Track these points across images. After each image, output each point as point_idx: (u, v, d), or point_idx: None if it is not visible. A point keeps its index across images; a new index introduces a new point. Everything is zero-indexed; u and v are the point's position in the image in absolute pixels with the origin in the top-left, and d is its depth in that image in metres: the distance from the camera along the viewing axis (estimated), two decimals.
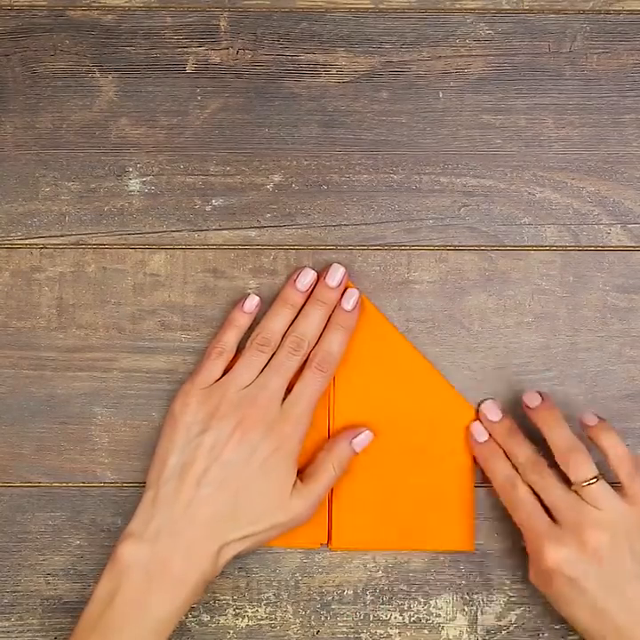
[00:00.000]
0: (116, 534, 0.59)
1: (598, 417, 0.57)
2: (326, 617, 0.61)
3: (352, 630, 0.61)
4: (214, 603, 0.61)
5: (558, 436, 0.56)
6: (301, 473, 0.57)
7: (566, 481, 0.55)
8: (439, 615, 0.61)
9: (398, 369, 0.61)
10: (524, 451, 0.57)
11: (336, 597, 0.61)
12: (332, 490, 0.60)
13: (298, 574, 0.61)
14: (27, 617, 0.60)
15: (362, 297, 0.60)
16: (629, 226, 0.62)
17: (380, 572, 0.61)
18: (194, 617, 0.61)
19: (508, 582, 0.61)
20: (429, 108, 0.62)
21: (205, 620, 0.61)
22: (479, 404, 0.60)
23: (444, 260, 0.62)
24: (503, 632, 0.60)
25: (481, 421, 0.60)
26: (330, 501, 0.60)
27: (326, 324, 0.58)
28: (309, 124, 0.62)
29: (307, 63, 0.62)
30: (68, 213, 0.62)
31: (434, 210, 0.62)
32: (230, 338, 0.58)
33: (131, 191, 0.62)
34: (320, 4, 0.62)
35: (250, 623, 0.61)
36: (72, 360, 0.61)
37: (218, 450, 0.55)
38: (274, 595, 0.61)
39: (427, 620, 0.61)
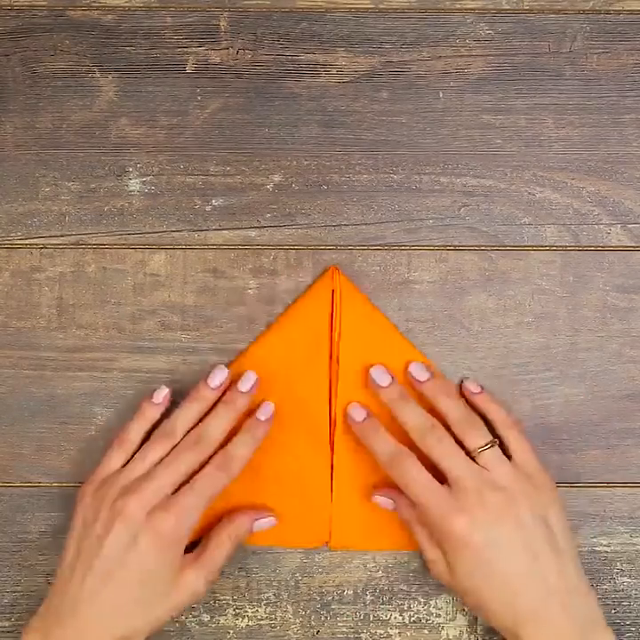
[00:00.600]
0: None
1: (480, 386, 0.59)
2: (326, 617, 0.61)
3: (352, 630, 0.61)
4: (214, 603, 0.61)
5: (453, 406, 0.57)
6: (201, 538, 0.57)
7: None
8: (439, 615, 0.61)
9: (398, 369, 0.60)
10: (415, 411, 0.57)
11: (336, 597, 0.61)
12: (332, 489, 0.60)
13: (298, 574, 0.61)
14: (27, 617, 0.60)
15: (361, 296, 0.61)
16: (629, 226, 0.62)
17: (380, 572, 0.61)
18: (194, 617, 0.61)
19: None
20: (429, 108, 0.62)
21: (205, 619, 0.61)
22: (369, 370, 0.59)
23: (444, 259, 0.62)
24: None
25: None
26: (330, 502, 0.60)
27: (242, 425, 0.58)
28: (309, 124, 0.62)
29: (307, 63, 0.62)
30: (68, 213, 0.62)
31: (434, 210, 0.62)
32: (134, 428, 0.58)
33: (131, 191, 0.62)
34: (320, 3, 0.62)
35: (250, 623, 0.61)
36: (72, 360, 0.61)
37: (101, 541, 0.54)
38: (274, 595, 0.61)
39: (427, 619, 0.61)
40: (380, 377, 0.59)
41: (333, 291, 0.61)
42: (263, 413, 0.59)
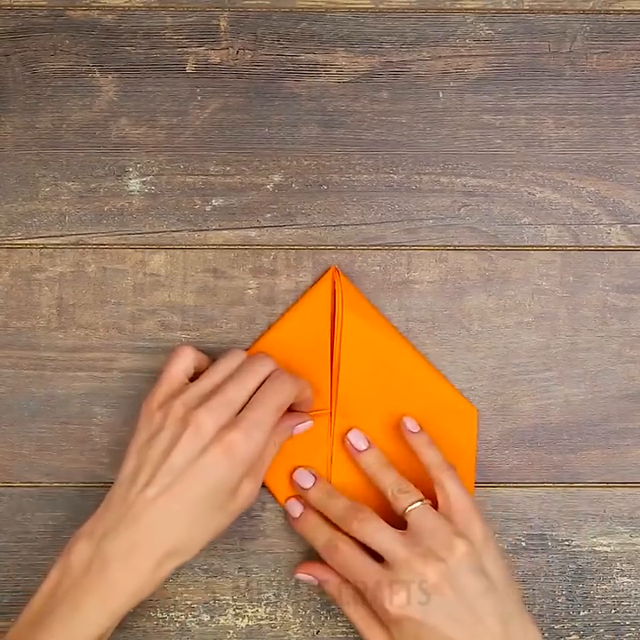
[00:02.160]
0: None
1: (419, 426, 0.59)
2: (326, 617, 0.61)
3: (352, 630, 0.61)
4: (214, 603, 0.61)
5: (381, 476, 0.58)
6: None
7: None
8: None
9: (399, 369, 0.61)
10: (338, 503, 0.57)
11: None
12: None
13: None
14: None
15: (361, 297, 0.61)
16: (629, 226, 0.62)
17: None
18: (194, 617, 0.61)
19: None
20: (429, 108, 0.62)
21: (205, 619, 0.61)
22: (291, 474, 0.60)
23: (444, 259, 0.62)
24: None
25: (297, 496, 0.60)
26: None
27: None
28: (309, 124, 0.62)
29: (307, 63, 0.62)
30: (68, 213, 0.62)
31: (434, 210, 0.62)
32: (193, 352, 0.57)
33: (131, 191, 0.62)
34: (320, 3, 0.62)
35: (250, 623, 0.61)
36: (72, 360, 0.61)
37: (168, 451, 0.53)
38: (274, 595, 0.61)
39: None
40: (302, 479, 0.59)
41: (334, 292, 0.61)
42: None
